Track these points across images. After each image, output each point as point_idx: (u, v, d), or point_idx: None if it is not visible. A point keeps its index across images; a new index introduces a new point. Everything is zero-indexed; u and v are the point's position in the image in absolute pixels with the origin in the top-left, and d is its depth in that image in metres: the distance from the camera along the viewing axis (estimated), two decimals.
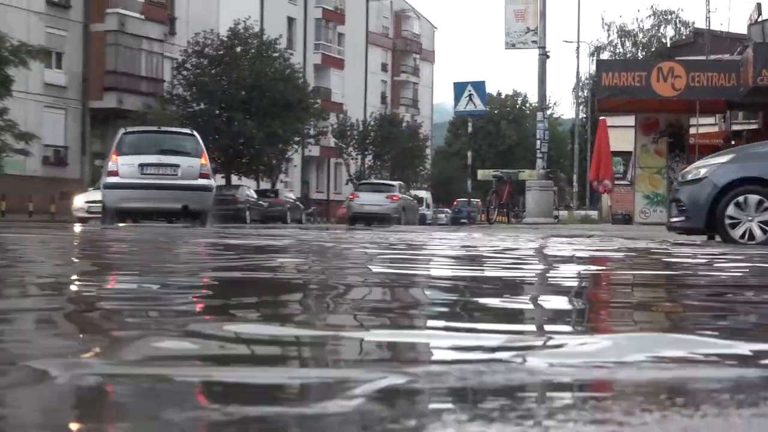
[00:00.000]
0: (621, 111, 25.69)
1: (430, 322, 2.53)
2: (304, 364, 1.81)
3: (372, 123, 56.17)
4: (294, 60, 44.37)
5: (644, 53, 61.45)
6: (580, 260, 6.04)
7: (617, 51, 63.77)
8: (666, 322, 2.73)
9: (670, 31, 64.14)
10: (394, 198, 29.64)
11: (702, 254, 6.81)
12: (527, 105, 73.30)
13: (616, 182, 30.90)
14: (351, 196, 31.81)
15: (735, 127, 27.33)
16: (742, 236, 9.30)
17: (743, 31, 35.76)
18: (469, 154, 30.57)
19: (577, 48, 53.85)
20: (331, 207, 54.93)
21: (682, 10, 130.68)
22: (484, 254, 6.57)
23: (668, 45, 56.86)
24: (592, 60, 60.76)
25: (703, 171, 9.61)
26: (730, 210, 9.30)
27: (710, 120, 28.38)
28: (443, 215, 51.55)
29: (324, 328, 2.28)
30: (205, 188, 16.54)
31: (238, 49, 38.91)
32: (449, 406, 1.36)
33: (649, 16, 65.51)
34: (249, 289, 3.53)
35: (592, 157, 30.14)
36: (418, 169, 58.41)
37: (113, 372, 1.54)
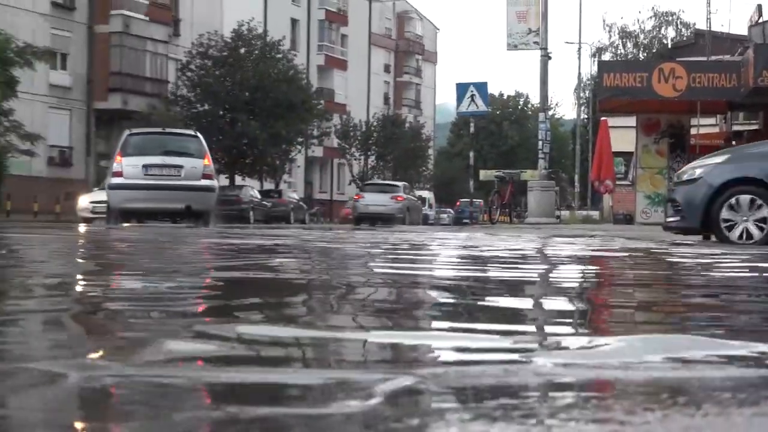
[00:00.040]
0: (622, 111, 25.72)
1: (436, 323, 2.55)
2: (309, 365, 1.81)
3: (375, 124, 56.20)
4: (297, 61, 44.39)
5: (645, 54, 61.42)
6: (583, 260, 6.05)
7: (618, 52, 63.75)
8: (666, 322, 2.74)
9: (671, 32, 64.20)
10: (399, 198, 29.71)
11: (703, 254, 6.82)
12: (529, 106, 73.24)
13: (617, 182, 30.90)
14: (356, 197, 31.87)
15: (736, 128, 27.31)
16: (740, 237, 9.32)
17: (744, 32, 35.72)
18: (472, 154, 30.56)
19: (579, 49, 53.72)
20: (335, 207, 54.97)
21: (683, 11, 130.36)
22: (486, 255, 6.58)
23: (669, 46, 56.80)
24: (594, 61, 60.87)
25: (698, 171, 9.64)
26: (725, 213, 9.33)
27: (711, 120, 28.37)
28: (446, 215, 51.56)
29: (352, 329, 2.28)
30: (208, 189, 16.67)
31: (242, 50, 38.96)
32: (461, 406, 1.35)
33: (651, 17, 65.54)
34: (256, 290, 3.54)
35: (593, 157, 30.11)
36: (421, 170, 58.42)
37: (123, 374, 1.55)
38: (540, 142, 24.58)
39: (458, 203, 52.86)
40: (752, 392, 1.46)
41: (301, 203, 39.92)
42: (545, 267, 5.26)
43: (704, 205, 9.39)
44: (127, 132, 17.35)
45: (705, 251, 7.43)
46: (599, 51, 63.23)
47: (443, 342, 2.07)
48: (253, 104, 37.57)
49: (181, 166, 16.43)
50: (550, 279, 4.33)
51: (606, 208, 40.89)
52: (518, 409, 1.28)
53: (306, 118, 40.22)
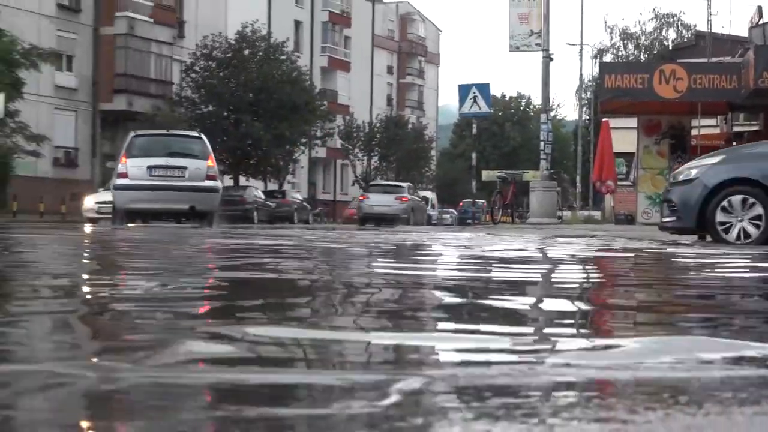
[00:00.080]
0: (623, 113, 25.68)
1: (441, 325, 2.56)
2: (312, 365, 1.82)
3: (378, 125, 56.19)
4: (301, 63, 44.43)
5: (646, 56, 61.38)
6: (585, 260, 6.07)
7: (620, 53, 63.72)
8: (667, 323, 2.76)
9: (672, 34, 64.18)
10: (404, 199, 29.77)
11: (704, 254, 6.84)
12: (531, 107, 73.12)
13: (618, 183, 30.87)
14: (361, 198, 31.89)
15: (736, 129, 27.26)
16: (738, 237, 9.35)
17: (744, 33, 35.76)
18: (474, 155, 30.53)
19: (580, 51, 53.65)
20: (338, 207, 54.97)
21: (684, 13, 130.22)
22: (488, 255, 6.60)
23: (670, 47, 56.76)
24: (595, 62, 60.85)
25: (694, 172, 9.67)
26: (719, 216, 9.37)
27: (712, 121, 28.32)
28: (448, 216, 51.50)
29: (375, 330, 2.29)
30: (212, 189, 16.77)
31: (246, 52, 38.99)
32: (472, 407, 1.35)
33: (652, 19, 65.52)
34: (262, 291, 3.56)
35: (595, 158, 30.08)
36: (424, 170, 58.41)
37: (136, 375, 1.55)
38: (542, 143, 24.60)
39: (461, 204, 52.86)
40: (753, 392, 1.47)
41: (304, 204, 39.94)
42: (547, 267, 5.27)
43: (699, 206, 9.43)
44: (132, 134, 17.54)
45: (705, 251, 7.45)
46: (600, 52, 63.24)
47: (449, 344, 2.07)
48: (256, 105, 37.59)
49: (185, 167, 16.54)
50: (552, 279, 4.35)
51: (607, 209, 40.86)
52: (520, 408, 1.30)
53: (309, 120, 40.26)
